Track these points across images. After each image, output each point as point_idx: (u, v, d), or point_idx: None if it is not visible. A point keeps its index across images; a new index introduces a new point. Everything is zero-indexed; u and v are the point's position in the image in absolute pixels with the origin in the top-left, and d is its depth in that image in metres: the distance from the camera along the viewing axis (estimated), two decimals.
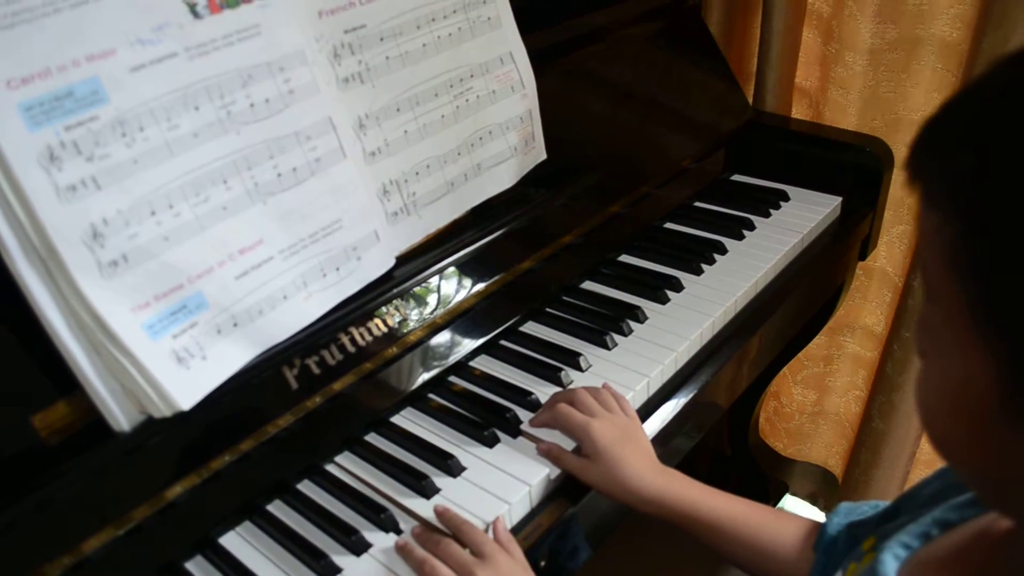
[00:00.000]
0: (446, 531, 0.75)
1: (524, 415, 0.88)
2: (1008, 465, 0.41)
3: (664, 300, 1.07)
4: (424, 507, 0.78)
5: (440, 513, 0.76)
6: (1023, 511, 0.45)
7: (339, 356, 0.83)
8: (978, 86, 0.39)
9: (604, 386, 0.89)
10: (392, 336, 0.88)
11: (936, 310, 0.42)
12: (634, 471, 0.80)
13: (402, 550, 0.73)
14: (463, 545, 0.73)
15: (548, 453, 0.82)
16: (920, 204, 0.42)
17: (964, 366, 0.41)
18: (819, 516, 1.80)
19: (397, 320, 0.89)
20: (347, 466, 0.84)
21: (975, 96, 0.39)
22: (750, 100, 1.49)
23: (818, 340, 1.56)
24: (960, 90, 0.41)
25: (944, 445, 0.45)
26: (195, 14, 0.71)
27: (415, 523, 0.76)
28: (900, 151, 1.34)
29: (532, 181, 1.05)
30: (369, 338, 0.86)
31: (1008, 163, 0.36)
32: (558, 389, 0.92)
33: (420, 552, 0.72)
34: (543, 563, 0.81)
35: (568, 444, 0.84)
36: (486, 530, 0.75)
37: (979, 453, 0.43)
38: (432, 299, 0.93)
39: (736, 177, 1.40)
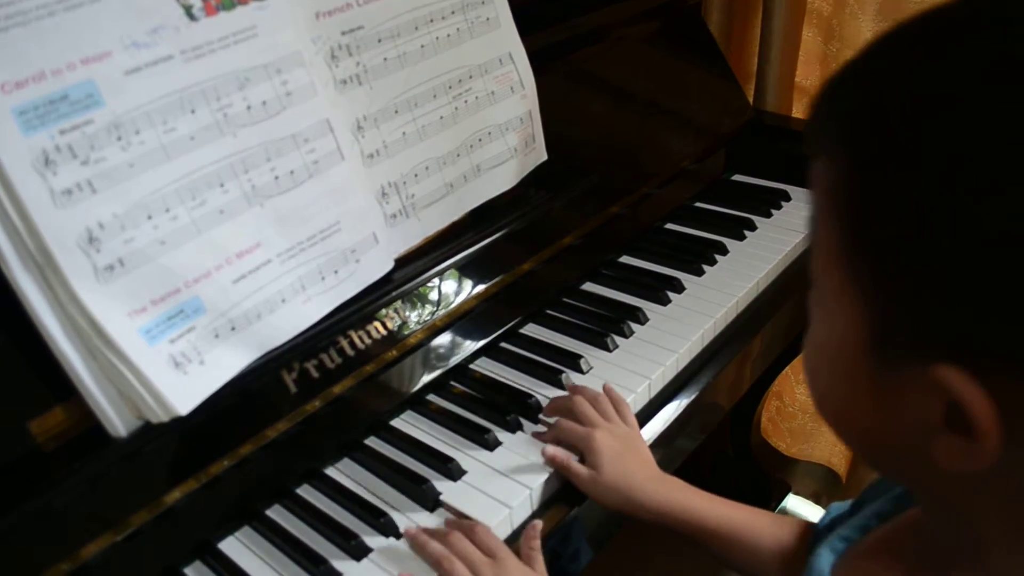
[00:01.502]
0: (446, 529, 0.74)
1: (525, 418, 0.88)
2: (882, 423, 0.42)
3: (665, 301, 1.06)
4: (424, 512, 0.77)
5: (452, 523, 0.75)
6: (904, 479, 0.46)
7: (338, 359, 0.83)
8: (867, 45, 0.41)
9: (605, 388, 0.89)
10: (391, 339, 0.87)
11: (818, 261, 0.43)
12: (637, 483, 0.79)
13: (415, 540, 0.72)
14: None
15: (554, 460, 0.81)
16: (811, 159, 0.43)
17: (841, 314, 0.41)
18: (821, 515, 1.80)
19: (396, 323, 0.88)
20: (347, 470, 0.83)
21: (864, 50, 0.41)
22: (751, 100, 1.48)
23: None
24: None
25: (825, 404, 0.46)
26: (191, 16, 0.71)
27: (415, 525, 0.76)
28: None
29: (532, 182, 1.05)
30: (368, 341, 0.85)
31: (885, 97, 0.38)
32: (559, 391, 0.91)
33: (436, 547, 0.71)
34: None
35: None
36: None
37: (856, 411, 0.44)
38: (432, 301, 0.92)
39: (737, 177, 1.39)
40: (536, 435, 0.85)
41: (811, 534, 0.74)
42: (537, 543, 0.74)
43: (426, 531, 0.74)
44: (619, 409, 0.86)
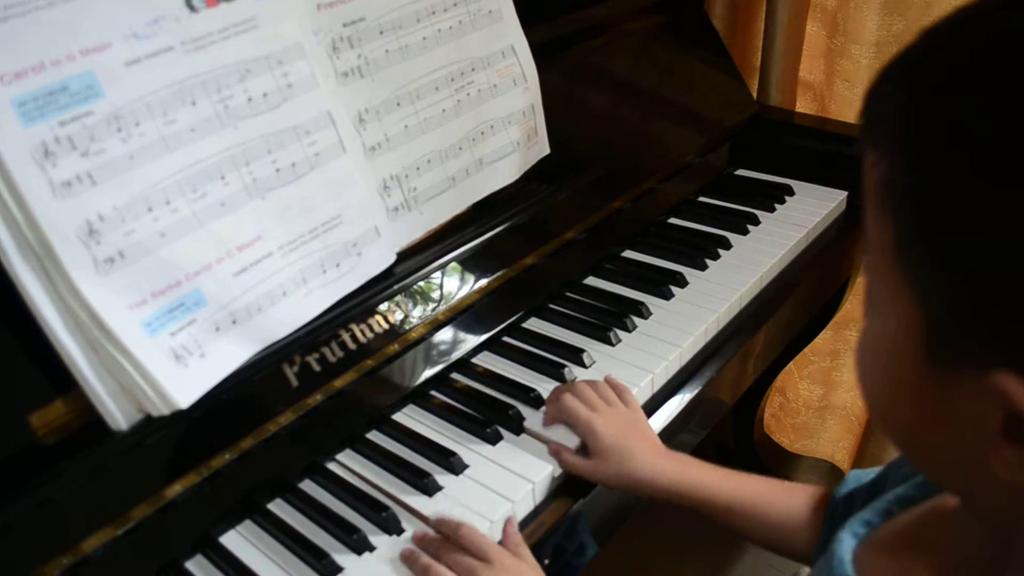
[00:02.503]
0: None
1: (527, 412, 0.87)
2: (935, 428, 0.41)
3: (668, 295, 1.06)
4: (426, 505, 0.77)
5: (437, 523, 0.75)
6: (953, 482, 0.45)
7: (340, 353, 0.82)
8: (923, 36, 0.40)
9: (606, 379, 0.89)
10: (393, 333, 0.87)
11: (870, 260, 0.42)
12: (644, 462, 0.79)
13: (407, 560, 0.72)
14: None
15: (557, 455, 0.81)
16: (864, 153, 0.42)
17: (895, 313, 0.40)
18: None
19: (398, 316, 0.88)
20: (348, 464, 0.83)
21: (919, 42, 0.40)
22: (754, 94, 1.48)
23: (824, 335, 1.55)
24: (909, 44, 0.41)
25: (875, 405, 0.45)
26: (191, 7, 0.71)
27: (417, 521, 0.76)
28: None
29: (535, 176, 1.04)
30: (370, 335, 0.85)
31: (946, 92, 0.37)
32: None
33: (425, 559, 0.71)
34: (547, 561, 0.81)
35: (572, 439, 0.83)
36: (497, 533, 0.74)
37: (908, 414, 0.42)
38: (434, 295, 0.92)
39: (740, 172, 1.39)
40: (532, 435, 0.85)
41: (827, 503, 0.73)
42: (519, 536, 0.74)
43: (419, 540, 0.74)
44: (621, 395, 0.86)
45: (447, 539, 0.73)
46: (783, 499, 0.77)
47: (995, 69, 0.35)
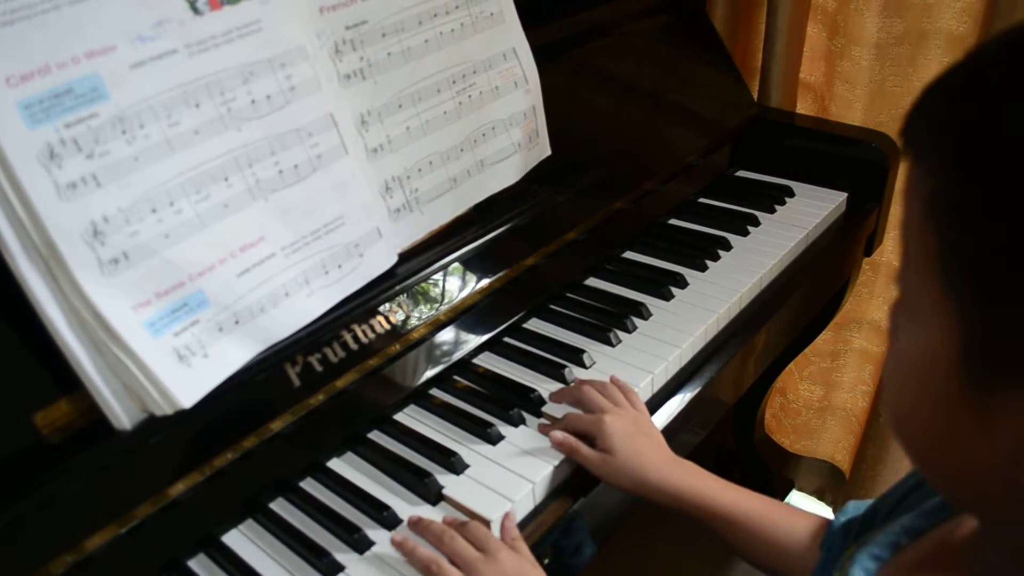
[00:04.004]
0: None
1: (528, 412, 0.88)
2: (969, 450, 0.40)
3: (668, 296, 1.06)
4: (427, 506, 0.78)
5: (445, 520, 0.75)
6: (978, 505, 0.44)
7: (342, 353, 0.83)
8: (974, 51, 0.40)
9: (612, 379, 0.89)
10: (395, 333, 0.88)
11: (911, 276, 0.41)
12: (651, 464, 0.80)
13: (402, 547, 0.72)
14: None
15: (563, 445, 0.82)
16: (908, 167, 0.41)
17: (934, 330, 0.40)
18: (826, 511, 1.80)
19: (400, 317, 0.88)
20: (350, 463, 0.83)
21: (971, 58, 0.40)
22: (755, 95, 1.48)
23: (824, 335, 1.56)
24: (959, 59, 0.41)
25: (906, 428, 0.45)
26: (195, 10, 0.71)
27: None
28: None
29: (536, 177, 1.05)
30: (372, 335, 0.86)
31: (994, 111, 0.37)
32: (562, 386, 0.91)
33: (424, 552, 0.72)
34: (547, 560, 0.81)
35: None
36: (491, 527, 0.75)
37: (940, 436, 0.42)
38: (435, 296, 0.92)
39: (741, 173, 1.39)
40: (543, 428, 0.85)
41: (825, 531, 0.73)
42: (516, 531, 0.75)
43: (419, 523, 0.74)
44: (627, 396, 0.87)
45: (444, 529, 0.73)
46: (784, 520, 0.78)
47: None
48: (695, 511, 0.79)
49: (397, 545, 0.73)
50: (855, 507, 0.71)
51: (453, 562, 0.71)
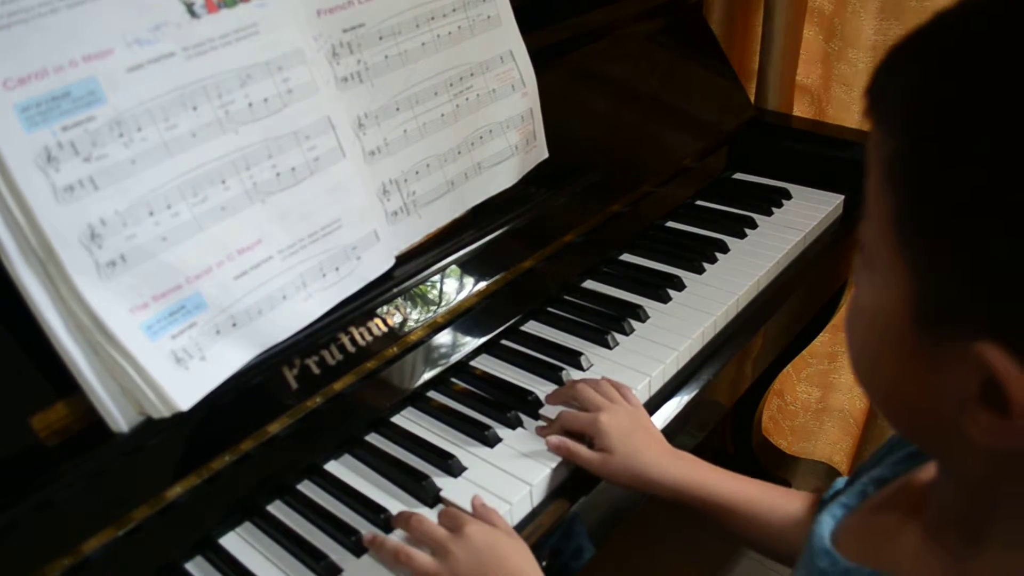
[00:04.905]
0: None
1: (525, 415, 0.88)
2: (916, 390, 0.43)
3: (666, 299, 1.06)
4: (423, 508, 0.77)
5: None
6: (935, 448, 0.47)
7: (339, 356, 0.83)
8: (936, 16, 0.41)
9: (604, 379, 0.89)
10: (392, 336, 0.88)
11: (870, 229, 0.43)
12: (650, 460, 0.80)
13: (372, 544, 0.72)
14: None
15: (559, 449, 0.82)
16: (871, 127, 0.43)
17: (889, 283, 0.42)
18: None
19: (397, 320, 0.89)
20: (347, 466, 0.83)
21: (931, 22, 0.41)
22: (752, 98, 1.48)
23: (822, 337, 1.56)
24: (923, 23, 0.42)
25: (859, 366, 0.47)
26: (193, 14, 0.71)
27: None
28: None
29: (533, 180, 1.05)
30: (369, 338, 0.86)
31: (948, 75, 0.38)
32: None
33: (391, 543, 0.72)
34: (544, 563, 0.81)
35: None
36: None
37: (898, 383, 0.45)
38: (433, 298, 0.93)
39: (738, 175, 1.39)
40: (540, 430, 0.85)
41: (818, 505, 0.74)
42: (487, 508, 0.75)
43: (399, 517, 0.75)
44: (622, 392, 0.87)
45: (412, 513, 0.74)
46: (782, 503, 0.78)
47: (993, 56, 0.37)
48: (696, 503, 0.80)
49: (368, 543, 0.73)
50: (843, 481, 0.72)
51: (424, 544, 0.71)
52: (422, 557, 0.70)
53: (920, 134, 0.39)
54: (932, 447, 0.48)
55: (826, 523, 0.55)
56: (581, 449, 0.81)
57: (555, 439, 0.82)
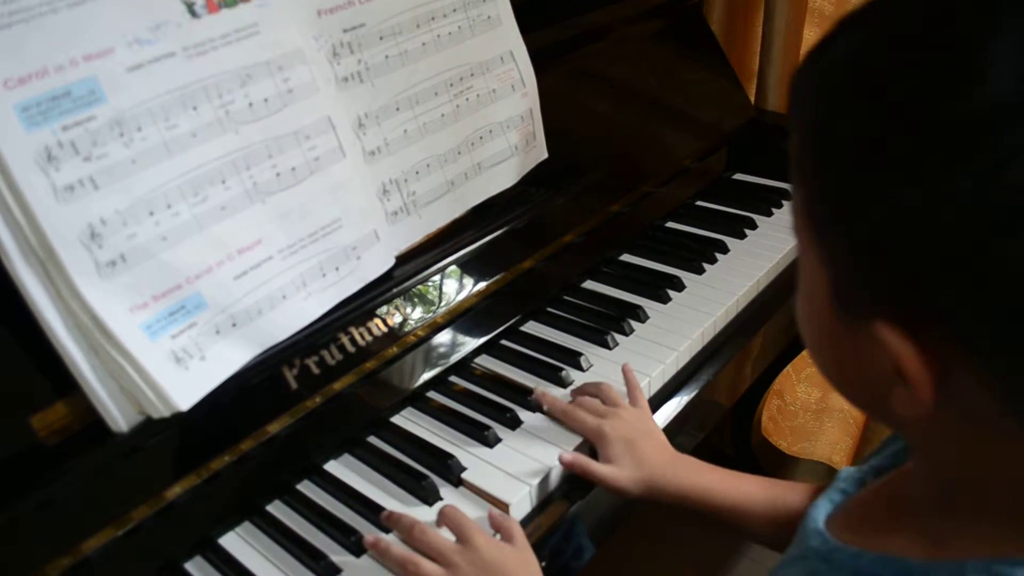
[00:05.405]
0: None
1: (525, 415, 0.88)
2: (850, 368, 0.46)
3: (666, 299, 1.06)
4: (423, 508, 0.77)
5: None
6: (884, 418, 0.48)
7: (339, 356, 0.83)
8: (836, 25, 0.43)
9: (624, 368, 0.90)
10: (392, 336, 0.88)
11: (795, 220, 0.46)
12: (655, 468, 0.80)
13: (376, 547, 0.71)
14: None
15: (572, 465, 0.81)
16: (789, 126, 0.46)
17: (811, 271, 0.45)
18: None
19: (397, 320, 0.89)
20: (346, 466, 0.83)
21: (829, 32, 0.43)
22: (752, 98, 1.48)
23: None
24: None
25: (814, 352, 0.49)
26: (193, 13, 0.71)
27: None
28: None
29: (533, 180, 1.05)
30: (369, 338, 0.86)
31: (833, 82, 0.41)
32: (559, 389, 0.92)
33: (398, 551, 0.71)
34: (544, 563, 0.81)
35: (569, 441, 0.83)
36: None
37: (839, 361, 0.47)
38: (432, 298, 0.93)
39: (738, 176, 1.39)
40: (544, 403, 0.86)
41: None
42: (508, 520, 0.74)
43: (386, 519, 0.74)
44: (632, 392, 0.88)
45: (413, 522, 0.73)
46: (783, 497, 0.79)
47: (872, 64, 0.39)
48: (700, 506, 0.80)
49: (371, 546, 0.72)
50: (848, 472, 0.72)
51: (429, 554, 0.70)
52: (429, 567, 0.69)
53: (816, 136, 0.42)
54: (886, 422, 0.50)
55: (822, 506, 0.56)
56: (594, 465, 0.81)
57: (568, 456, 0.81)
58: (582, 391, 0.89)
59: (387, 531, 0.75)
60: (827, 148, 0.41)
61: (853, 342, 0.43)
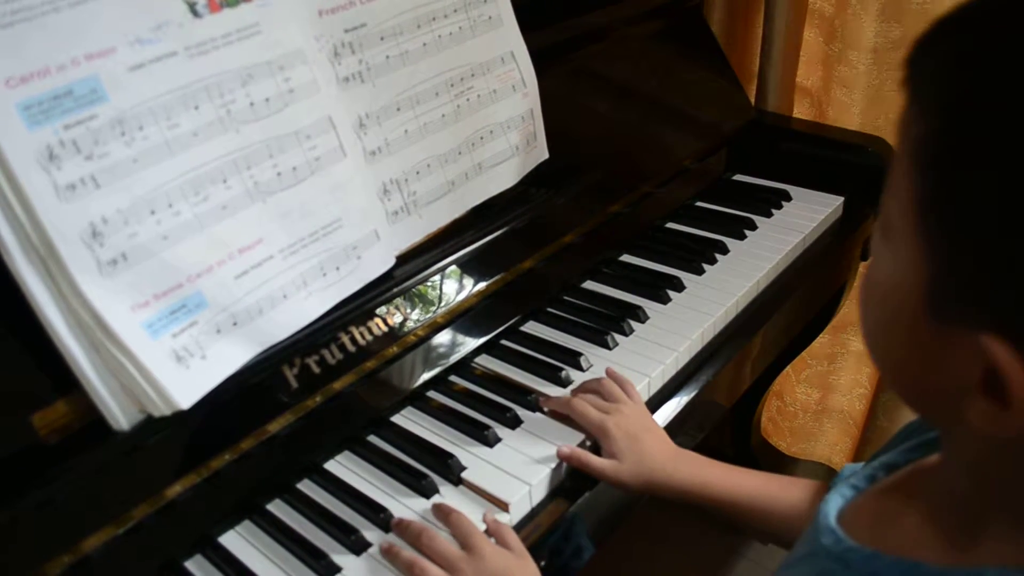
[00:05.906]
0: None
1: (525, 414, 0.88)
2: (921, 367, 0.44)
3: (665, 300, 1.07)
4: (423, 507, 0.78)
5: (435, 508, 0.76)
6: (939, 423, 0.48)
7: (339, 355, 0.83)
8: None
9: (608, 371, 0.90)
10: (392, 335, 0.88)
11: (893, 204, 0.43)
12: (656, 463, 0.81)
13: (388, 553, 0.72)
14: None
15: (570, 459, 0.81)
16: (905, 101, 0.42)
17: (905, 259, 0.42)
18: None
19: (397, 319, 0.89)
20: (347, 465, 0.83)
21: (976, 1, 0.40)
22: (752, 99, 1.48)
23: (821, 338, 1.56)
24: None
25: (877, 345, 0.48)
26: (195, 13, 0.71)
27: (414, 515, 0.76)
28: None
29: (533, 180, 1.05)
30: (369, 337, 0.86)
31: (987, 58, 0.37)
32: (559, 389, 0.92)
33: (406, 554, 0.71)
34: (543, 563, 0.81)
35: (570, 439, 0.83)
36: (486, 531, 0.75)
37: (906, 357, 0.45)
38: (433, 298, 0.93)
39: (738, 177, 1.39)
40: (545, 402, 0.86)
41: (825, 491, 0.74)
42: (504, 527, 0.74)
43: (396, 526, 0.75)
44: (624, 388, 0.88)
45: (422, 528, 0.73)
46: (784, 492, 0.79)
47: None
48: (700, 501, 0.80)
49: (384, 552, 0.73)
50: (851, 469, 0.72)
51: (435, 560, 0.70)
52: (435, 572, 0.69)
53: (951, 125, 0.38)
54: (936, 424, 0.49)
55: (834, 501, 0.56)
56: (593, 459, 0.81)
57: (566, 449, 0.82)
58: (583, 388, 0.89)
59: (387, 531, 0.75)
60: (966, 146, 0.37)
61: (937, 345, 0.41)
